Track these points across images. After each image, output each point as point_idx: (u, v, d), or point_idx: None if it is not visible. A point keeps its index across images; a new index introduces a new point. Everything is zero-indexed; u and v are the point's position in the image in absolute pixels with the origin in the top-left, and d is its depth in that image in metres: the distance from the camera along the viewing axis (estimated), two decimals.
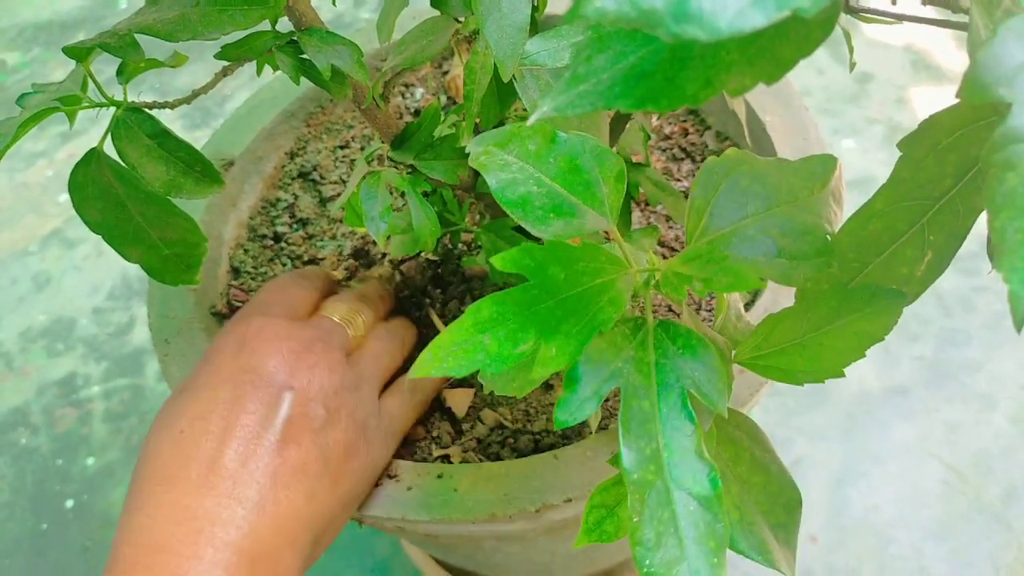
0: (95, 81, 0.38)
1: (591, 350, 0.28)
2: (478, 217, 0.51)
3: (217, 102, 1.18)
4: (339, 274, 0.57)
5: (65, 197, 1.11)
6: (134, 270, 1.03)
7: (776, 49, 0.22)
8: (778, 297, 0.47)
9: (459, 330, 0.27)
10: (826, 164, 0.30)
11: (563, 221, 0.30)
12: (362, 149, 0.64)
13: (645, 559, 0.26)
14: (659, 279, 0.29)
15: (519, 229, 0.49)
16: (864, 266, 0.31)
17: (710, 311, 0.52)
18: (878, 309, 0.30)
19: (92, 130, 1.17)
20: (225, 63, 0.37)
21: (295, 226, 0.61)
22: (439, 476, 0.44)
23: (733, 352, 0.32)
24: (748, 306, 0.49)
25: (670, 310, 0.52)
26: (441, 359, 0.27)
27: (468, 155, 0.45)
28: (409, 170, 0.45)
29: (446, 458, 0.48)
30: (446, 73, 0.66)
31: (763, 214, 0.29)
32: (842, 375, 0.30)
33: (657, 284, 0.30)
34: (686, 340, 0.28)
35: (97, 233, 0.42)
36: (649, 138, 0.49)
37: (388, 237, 0.45)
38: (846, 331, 0.30)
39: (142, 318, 0.99)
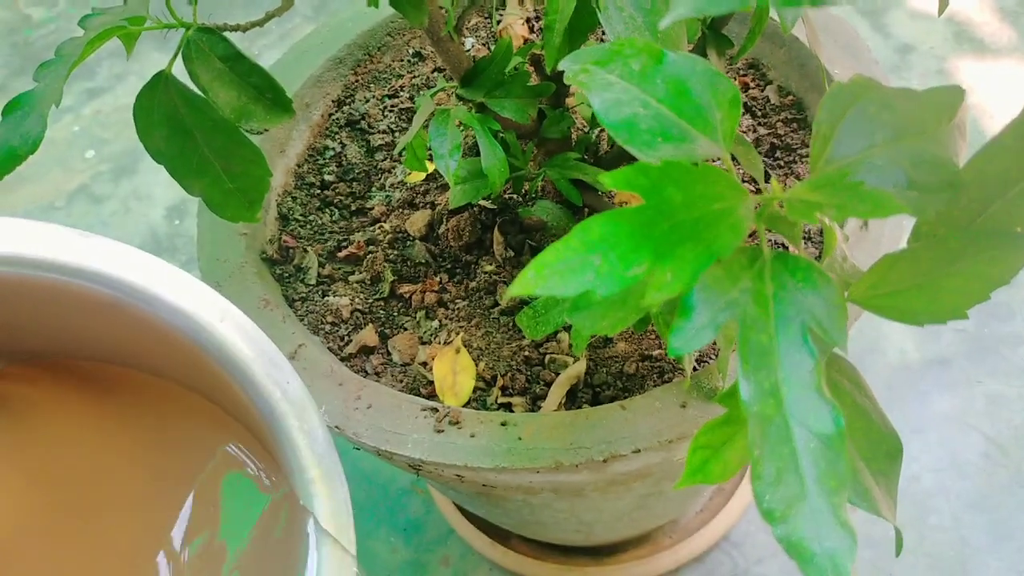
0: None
1: (707, 278, 0.27)
2: (540, 166, 0.50)
3: None
4: (388, 224, 0.56)
5: (92, 153, 1.10)
6: (163, 227, 1.02)
7: None
8: (855, 252, 0.46)
9: (566, 249, 0.26)
10: (954, 96, 0.28)
11: (672, 146, 0.28)
12: (411, 99, 0.63)
13: (764, 495, 0.25)
14: (781, 207, 0.28)
15: (582, 159, 0.47)
16: (986, 206, 0.29)
17: None
18: (1002, 253, 0.28)
19: (118, 87, 1.16)
20: None
21: (343, 175, 0.59)
22: (503, 424, 0.43)
23: (846, 292, 0.31)
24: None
25: None
26: (545, 277, 0.25)
27: (540, 94, 0.44)
28: (477, 109, 0.44)
29: (507, 407, 0.47)
30: (498, 23, 0.64)
31: (891, 143, 0.28)
32: (965, 317, 0.29)
33: (772, 216, 0.29)
34: (806, 273, 0.27)
35: (159, 162, 0.40)
36: None
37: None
38: (967, 274, 0.29)
39: None
